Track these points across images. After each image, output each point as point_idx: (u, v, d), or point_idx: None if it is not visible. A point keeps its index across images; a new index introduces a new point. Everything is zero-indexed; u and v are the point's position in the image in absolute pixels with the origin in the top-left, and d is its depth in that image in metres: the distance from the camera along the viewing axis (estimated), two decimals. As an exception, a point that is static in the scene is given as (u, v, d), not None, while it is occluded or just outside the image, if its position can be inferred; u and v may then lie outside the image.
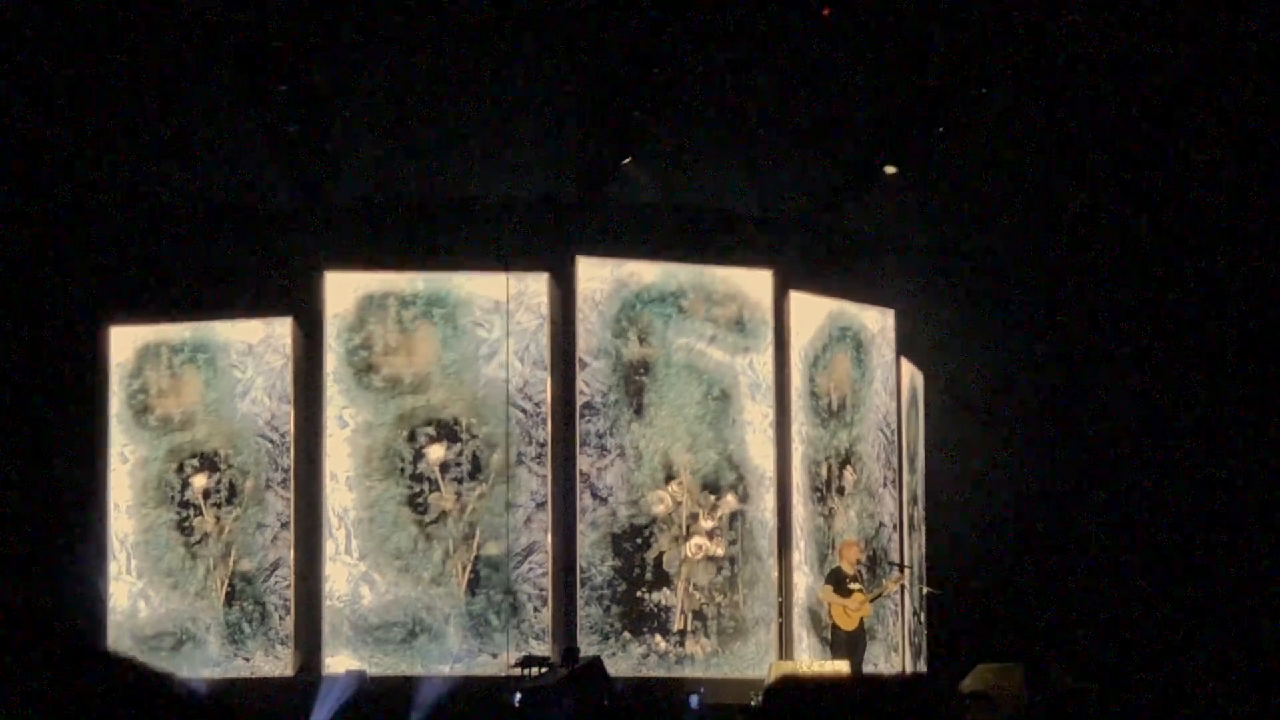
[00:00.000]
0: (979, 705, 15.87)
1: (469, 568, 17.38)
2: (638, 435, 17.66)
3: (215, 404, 18.07)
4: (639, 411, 17.70)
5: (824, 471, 18.39)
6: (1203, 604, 18.34)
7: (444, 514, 17.43)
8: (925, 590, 18.95)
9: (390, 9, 15.36)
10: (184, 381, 18.20)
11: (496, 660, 17.11)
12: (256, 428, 17.88)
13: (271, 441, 17.82)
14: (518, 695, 15.21)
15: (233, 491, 17.90)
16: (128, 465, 18.24)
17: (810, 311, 18.49)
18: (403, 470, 17.48)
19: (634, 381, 17.74)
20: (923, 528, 19.83)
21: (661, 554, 17.58)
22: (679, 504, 17.67)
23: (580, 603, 17.39)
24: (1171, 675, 17.98)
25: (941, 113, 16.73)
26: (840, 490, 18.51)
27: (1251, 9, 14.92)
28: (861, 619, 17.32)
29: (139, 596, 18.09)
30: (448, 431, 17.51)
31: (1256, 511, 18.33)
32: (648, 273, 17.98)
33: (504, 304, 17.63)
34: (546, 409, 17.50)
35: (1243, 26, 15.11)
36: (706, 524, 17.71)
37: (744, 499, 17.86)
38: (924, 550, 19.76)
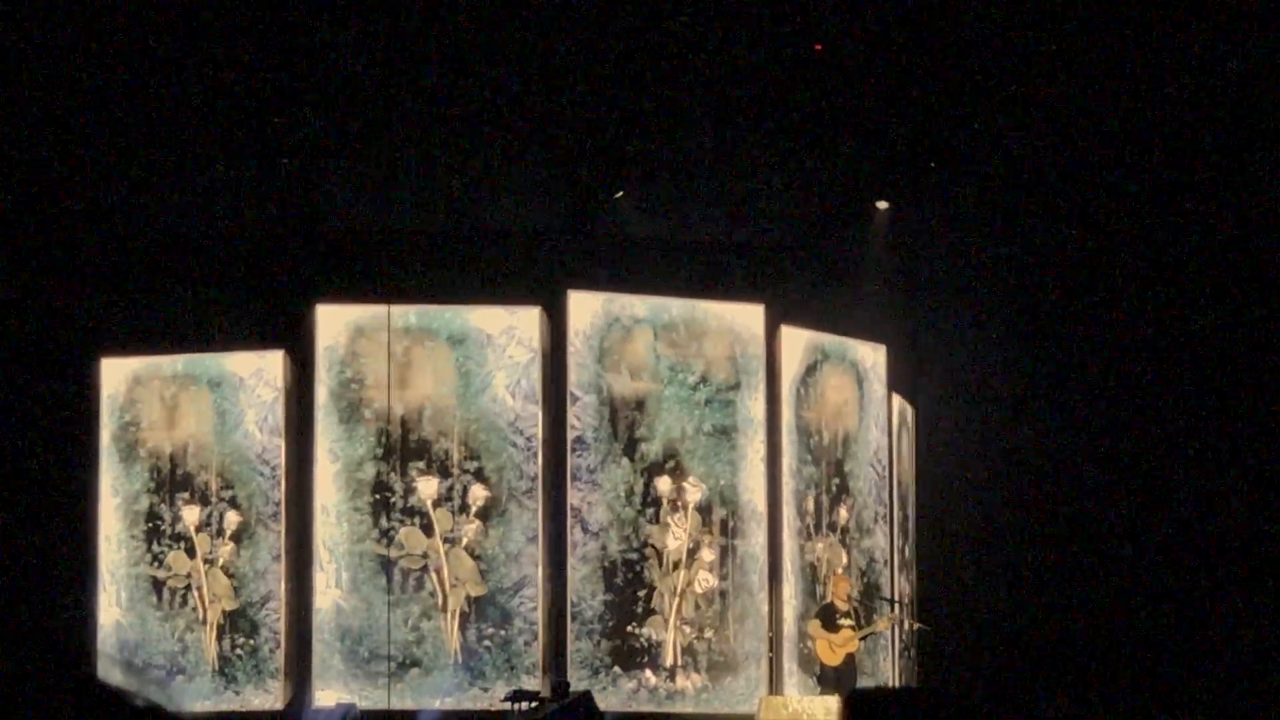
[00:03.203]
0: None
1: (460, 602, 17.34)
2: (629, 470, 17.64)
3: (207, 437, 18.04)
4: (630, 446, 17.69)
5: (815, 506, 18.37)
6: (1198, 634, 18.32)
7: (435, 548, 17.39)
8: (915, 626, 18.93)
9: (381, 43, 15.40)
10: (175, 414, 18.17)
11: (487, 694, 17.06)
12: (248, 461, 17.85)
13: (262, 474, 17.79)
14: (508, 729, 15.18)
15: (224, 524, 17.86)
16: (118, 498, 18.20)
17: (802, 346, 18.50)
18: (394, 504, 17.44)
19: (625, 416, 17.73)
20: (914, 563, 19.81)
21: (652, 589, 17.56)
22: (682, 538, 17.63)
23: (571, 637, 17.35)
24: (1166, 709, 17.96)
25: (933, 147, 16.78)
26: (832, 525, 18.50)
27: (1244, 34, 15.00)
28: (850, 655, 17.23)
29: (129, 629, 18.03)
30: (439, 466, 17.49)
31: (1254, 545, 18.31)
32: (639, 307, 17.97)
33: (495, 338, 17.63)
34: (538, 443, 17.48)
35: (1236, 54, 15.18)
36: (708, 557, 17.70)
37: (735, 534, 17.84)
38: (914, 586, 19.74)
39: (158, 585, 18.01)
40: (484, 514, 17.41)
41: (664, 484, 17.66)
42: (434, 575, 17.37)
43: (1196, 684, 18.14)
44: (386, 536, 17.37)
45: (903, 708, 4.53)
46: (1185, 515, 18.74)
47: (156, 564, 18.01)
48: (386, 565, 17.35)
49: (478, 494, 17.43)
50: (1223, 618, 18.32)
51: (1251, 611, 18.13)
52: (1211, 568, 18.49)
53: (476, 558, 17.36)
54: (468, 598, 17.32)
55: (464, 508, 17.42)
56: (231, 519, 17.83)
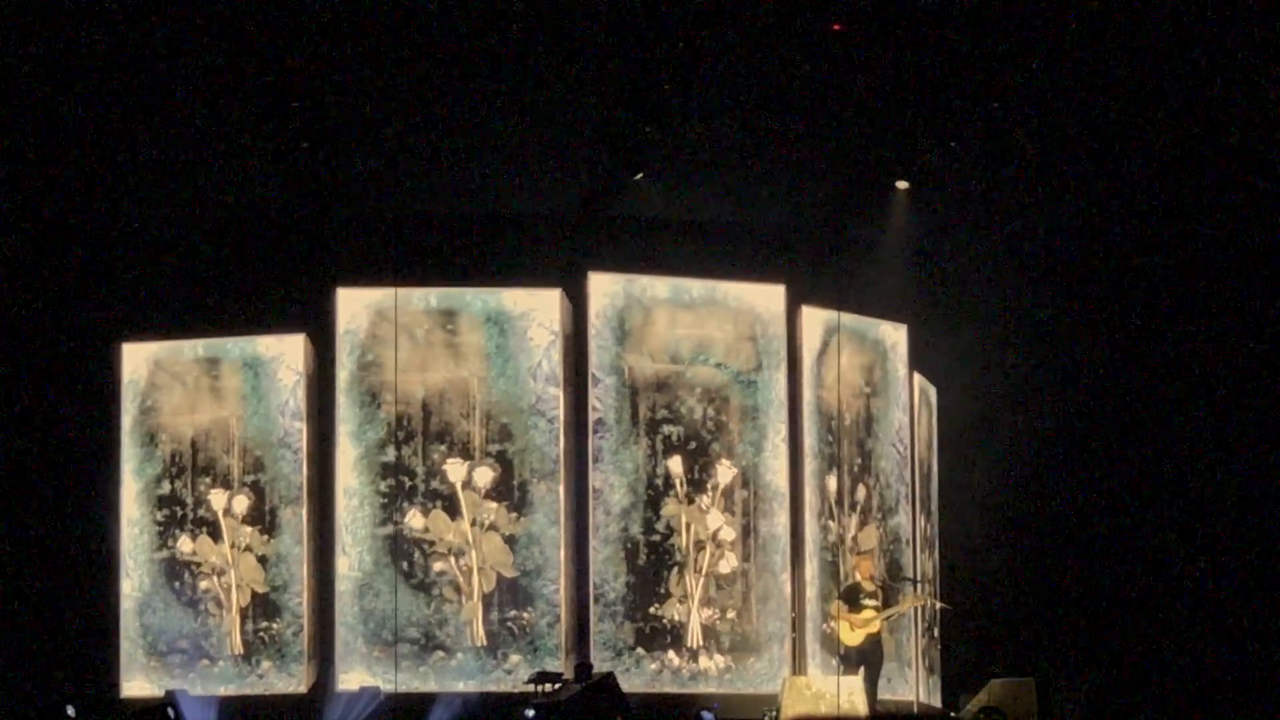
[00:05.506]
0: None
1: (486, 584, 17.35)
2: (650, 451, 17.64)
3: (229, 421, 18.06)
4: (652, 427, 17.68)
5: (837, 486, 18.36)
6: (1220, 613, 18.31)
7: (459, 530, 17.41)
8: (938, 606, 18.90)
9: (402, 25, 15.39)
10: (197, 398, 18.19)
11: (510, 676, 17.09)
12: (270, 444, 17.87)
13: (285, 458, 17.81)
14: (531, 711, 15.20)
15: (246, 508, 17.88)
16: (140, 483, 18.23)
17: (822, 326, 18.47)
18: (417, 487, 17.46)
19: (647, 397, 17.72)
20: (936, 543, 19.79)
21: (675, 570, 17.56)
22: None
23: (594, 619, 17.37)
24: (1186, 687, 17.94)
25: (953, 126, 16.75)
26: (854, 506, 18.50)
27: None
28: (872, 635, 17.12)
29: (152, 614, 18.05)
30: (461, 449, 17.50)
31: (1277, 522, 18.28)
32: (660, 288, 17.97)
33: (516, 320, 17.63)
34: (559, 425, 17.48)
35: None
36: (729, 538, 17.70)
37: (758, 514, 17.84)
38: (937, 566, 19.73)
39: (180, 570, 18.03)
40: (507, 496, 17.42)
41: (688, 465, 17.66)
42: (457, 558, 17.38)
43: (1221, 660, 18.13)
44: (408, 520, 17.38)
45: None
46: (1209, 492, 18.70)
47: (179, 549, 18.03)
48: (409, 548, 17.36)
49: (500, 477, 17.44)
50: (1248, 594, 18.29)
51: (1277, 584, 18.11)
52: (1236, 545, 18.45)
53: (500, 540, 17.37)
54: (491, 580, 17.34)
55: (487, 490, 17.43)
56: (256, 503, 17.85)
